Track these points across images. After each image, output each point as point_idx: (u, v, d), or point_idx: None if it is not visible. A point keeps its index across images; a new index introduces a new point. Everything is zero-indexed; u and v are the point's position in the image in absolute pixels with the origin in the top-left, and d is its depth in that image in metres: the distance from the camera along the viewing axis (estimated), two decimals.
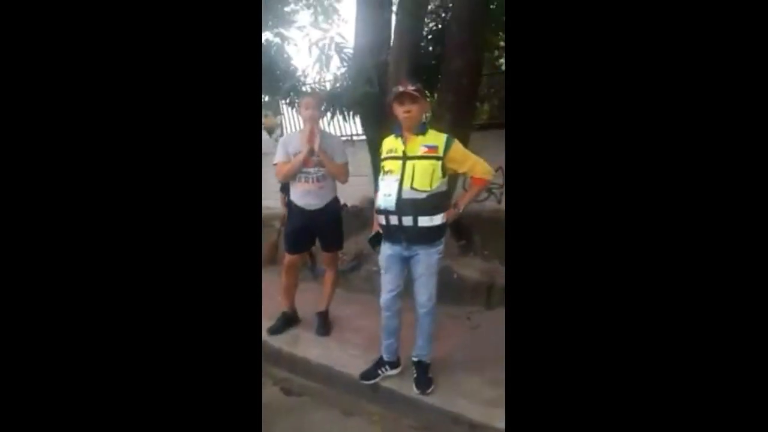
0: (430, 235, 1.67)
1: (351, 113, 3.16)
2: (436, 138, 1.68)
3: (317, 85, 3.32)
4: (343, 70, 3.17)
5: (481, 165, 1.72)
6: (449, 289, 2.64)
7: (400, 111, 1.66)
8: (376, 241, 1.82)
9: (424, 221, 1.64)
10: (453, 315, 2.47)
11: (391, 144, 1.76)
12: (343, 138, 3.24)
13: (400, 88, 1.65)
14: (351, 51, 2.91)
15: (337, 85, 3.06)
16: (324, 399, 1.90)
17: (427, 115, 3.71)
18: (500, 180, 4.48)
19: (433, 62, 3.03)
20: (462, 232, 3.36)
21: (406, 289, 1.80)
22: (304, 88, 3.19)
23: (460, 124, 2.81)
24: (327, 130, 2.29)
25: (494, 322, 2.38)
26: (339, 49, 2.89)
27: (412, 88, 1.64)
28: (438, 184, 1.65)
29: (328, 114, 3.19)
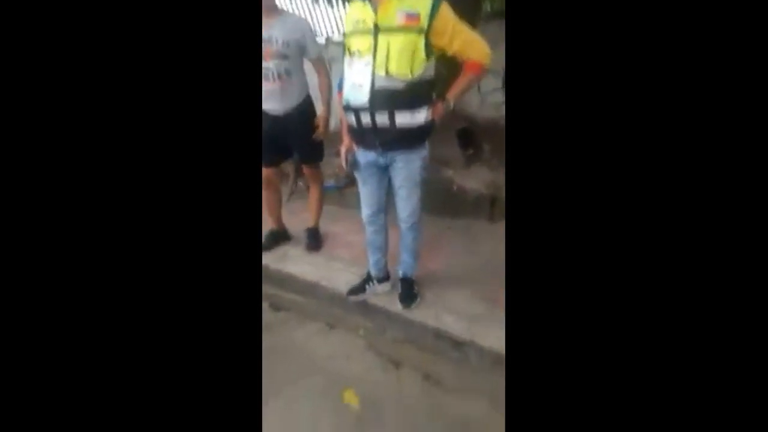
0: (410, 138, 1.35)
1: None
2: (418, 1, 1.23)
3: None
4: None
5: (476, 44, 1.28)
6: (449, 201, 2.46)
7: None
8: (355, 164, 1.51)
9: (403, 119, 1.30)
10: (451, 227, 2.33)
11: (357, 12, 1.31)
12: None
13: None
14: None
15: None
16: (310, 313, 1.86)
17: None
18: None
19: None
20: (470, 139, 3.06)
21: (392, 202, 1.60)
22: None
23: (465, 5, 2.34)
24: (295, 13, 1.88)
25: (494, 236, 2.22)
26: None
27: None
28: (422, 68, 1.26)
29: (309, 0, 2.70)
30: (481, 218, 2.41)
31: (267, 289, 2.06)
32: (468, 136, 3.06)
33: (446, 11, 1.25)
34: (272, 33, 1.72)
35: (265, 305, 1.96)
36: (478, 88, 3.50)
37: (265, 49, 1.73)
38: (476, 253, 2.06)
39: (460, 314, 1.57)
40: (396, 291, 1.73)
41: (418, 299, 1.66)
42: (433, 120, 1.39)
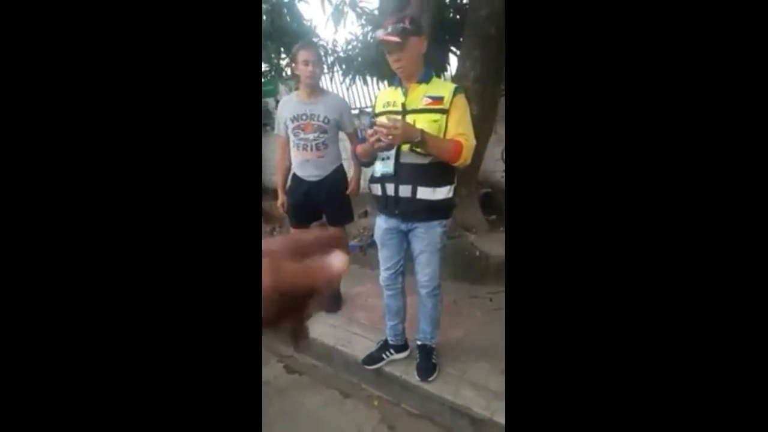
0: (430, 210, 1.41)
1: (369, 76, 2.92)
2: (442, 87, 1.39)
3: (330, 45, 3.09)
4: (359, 29, 2.95)
5: (470, 139, 1.34)
6: (472, 268, 2.43)
7: (390, 60, 1.37)
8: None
9: (424, 193, 1.38)
10: (474, 295, 2.27)
11: (388, 96, 1.47)
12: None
13: (379, 34, 1.34)
14: (369, 6, 2.68)
15: (350, 46, 2.83)
16: (325, 379, 1.81)
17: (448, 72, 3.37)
18: None
19: (457, 15, 2.70)
20: (492, 205, 3.08)
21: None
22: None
23: (487, 82, 2.50)
24: (335, 92, 2.09)
25: None
26: (354, 4, 2.66)
27: (391, 31, 1.29)
28: None
29: (347, 80, 2.99)
30: (504, 284, 2.34)
31: (283, 349, 2.03)
32: (491, 201, 3.09)
33: (462, 97, 1.38)
34: (315, 110, 1.92)
35: (279, 367, 1.92)
36: (502, 157, 3.59)
37: (307, 122, 1.93)
38: (499, 323, 1.97)
39: (481, 389, 1.48)
40: (414, 360, 1.66)
41: (437, 371, 1.59)
42: (453, 198, 1.44)
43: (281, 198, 2.10)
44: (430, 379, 1.55)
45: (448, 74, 3.50)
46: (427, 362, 1.60)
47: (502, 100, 2.92)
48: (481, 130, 2.65)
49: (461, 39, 2.62)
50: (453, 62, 3.45)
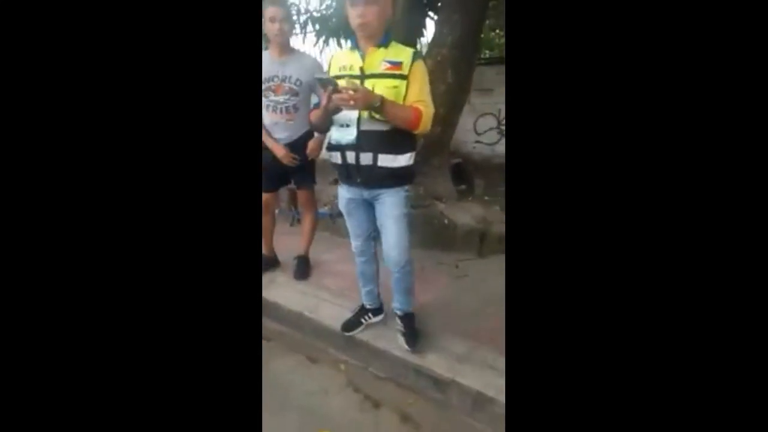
0: (392, 177, 1.38)
1: (344, 39, 2.79)
2: (401, 52, 1.32)
3: (302, 3, 2.91)
4: None
5: (428, 107, 1.31)
6: (440, 236, 2.47)
7: (352, 15, 1.28)
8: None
9: (385, 160, 1.34)
10: (441, 262, 2.32)
11: (344, 59, 1.38)
12: None
13: None
14: None
15: (324, 5, 2.67)
16: (292, 345, 1.82)
17: (420, 48, 3.25)
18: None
19: None
20: (463, 175, 3.11)
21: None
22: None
23: (464, 49, 2.45)
24: (306, 52, 1.98)
25: (483, 272, 2.21)
26: None
27: None
28: None
29: (320, 42, 2.84)
30: (471, 252, 2.41)
31: None
32: (461, 171, 3.12)
33: (421, 63, 1.33)
34: (287, 71, 1.82)
35: None
36: (475, 127, 3.59)
37: (278, 84, 1.83)
38: (464, 290, 2.04)
39: (444, 352, 1.54)
40: (382, 326, 1.70)
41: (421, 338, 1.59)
42: (414, 165, 1.42)
43: None
44: (417, 346, 1.54)
45: (424, 40, 3.40)
46: (412, 330, 1.60)
47: (478, 69, 2.88)
48: (456, 100, 2.62)
49: (439, 3, 2.53)
50: (429, 29, 3.35)
